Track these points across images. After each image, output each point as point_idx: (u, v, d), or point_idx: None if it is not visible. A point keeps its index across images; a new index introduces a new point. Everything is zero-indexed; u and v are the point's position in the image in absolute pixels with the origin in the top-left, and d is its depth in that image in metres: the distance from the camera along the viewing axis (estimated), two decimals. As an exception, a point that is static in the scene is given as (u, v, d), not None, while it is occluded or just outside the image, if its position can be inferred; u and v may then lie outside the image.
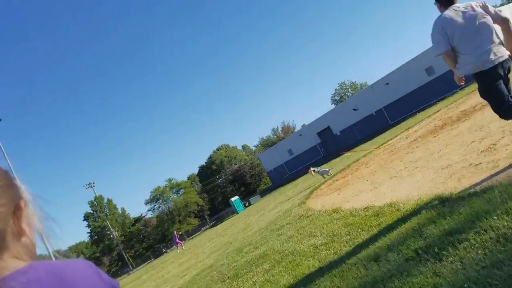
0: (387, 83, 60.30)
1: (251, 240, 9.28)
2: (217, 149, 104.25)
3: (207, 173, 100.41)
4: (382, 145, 17.73)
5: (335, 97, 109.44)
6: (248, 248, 8.24)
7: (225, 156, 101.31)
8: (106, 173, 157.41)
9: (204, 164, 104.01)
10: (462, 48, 4.06)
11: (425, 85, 47.53)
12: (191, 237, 71.30)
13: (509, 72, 4.05)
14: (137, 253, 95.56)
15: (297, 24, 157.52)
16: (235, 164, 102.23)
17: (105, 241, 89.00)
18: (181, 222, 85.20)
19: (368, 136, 56.36)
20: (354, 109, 66.10)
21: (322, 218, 6.60)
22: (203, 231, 75.46)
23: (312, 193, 12.08)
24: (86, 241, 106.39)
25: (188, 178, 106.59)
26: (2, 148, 42.96)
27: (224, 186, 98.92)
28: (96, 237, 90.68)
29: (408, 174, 6.80)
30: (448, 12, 4.11)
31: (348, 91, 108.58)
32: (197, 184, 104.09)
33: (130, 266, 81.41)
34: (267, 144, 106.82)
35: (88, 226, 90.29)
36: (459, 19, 4.02)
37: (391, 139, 18.39)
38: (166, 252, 61.49)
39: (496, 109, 4.09)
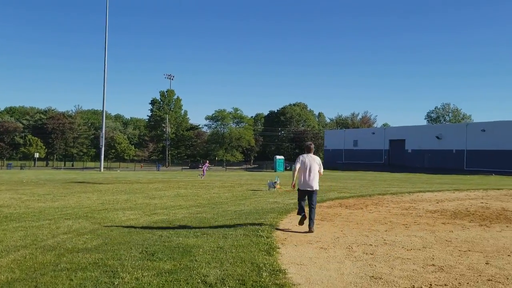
0: (484, 130, 55.05)
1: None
2: (294, 104, 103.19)
3: (274, 120, 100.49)
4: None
5: (432, 114, 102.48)
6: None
7: (298, 114, 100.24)
8: (188, 74, 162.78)
9: (275, 111, 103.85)
10: (300, 174, 7.70)
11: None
12: (227, 168, 73.03)
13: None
14: (178, 156, 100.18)
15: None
16: (302, 126, 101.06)
17: (158, 130, 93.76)
18: (226, 150, 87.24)
19: (436, 170, 52.76)
20: (438, 137, 61.57)
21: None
22: (242, 169, 76.88)
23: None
24: (145, 120, 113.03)
25: (255, 116, 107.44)
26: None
27: (282, 140, 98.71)
28: (153, 123, 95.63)
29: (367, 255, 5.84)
30: (304, 155, 7.79)
31: (449, 115, 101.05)
32: (261, 125, 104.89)
33: (167, 164, 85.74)
34: (341, 123, 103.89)
35: (151, 110, 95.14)
36: (306, 160, 7.67)
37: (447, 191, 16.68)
38: (201, 167, 63.56)
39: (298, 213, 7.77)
